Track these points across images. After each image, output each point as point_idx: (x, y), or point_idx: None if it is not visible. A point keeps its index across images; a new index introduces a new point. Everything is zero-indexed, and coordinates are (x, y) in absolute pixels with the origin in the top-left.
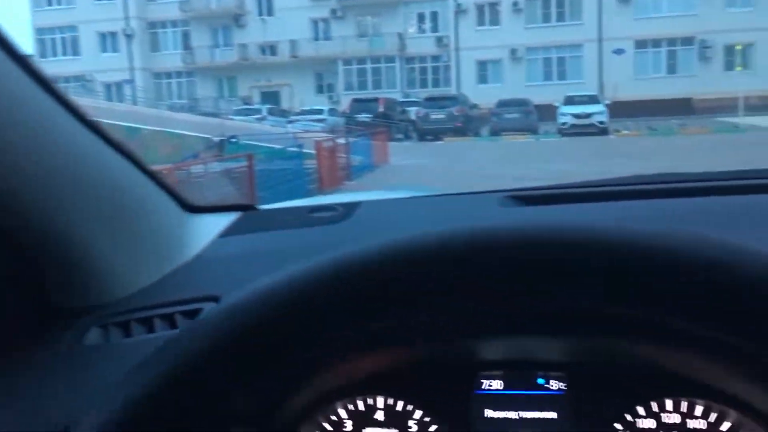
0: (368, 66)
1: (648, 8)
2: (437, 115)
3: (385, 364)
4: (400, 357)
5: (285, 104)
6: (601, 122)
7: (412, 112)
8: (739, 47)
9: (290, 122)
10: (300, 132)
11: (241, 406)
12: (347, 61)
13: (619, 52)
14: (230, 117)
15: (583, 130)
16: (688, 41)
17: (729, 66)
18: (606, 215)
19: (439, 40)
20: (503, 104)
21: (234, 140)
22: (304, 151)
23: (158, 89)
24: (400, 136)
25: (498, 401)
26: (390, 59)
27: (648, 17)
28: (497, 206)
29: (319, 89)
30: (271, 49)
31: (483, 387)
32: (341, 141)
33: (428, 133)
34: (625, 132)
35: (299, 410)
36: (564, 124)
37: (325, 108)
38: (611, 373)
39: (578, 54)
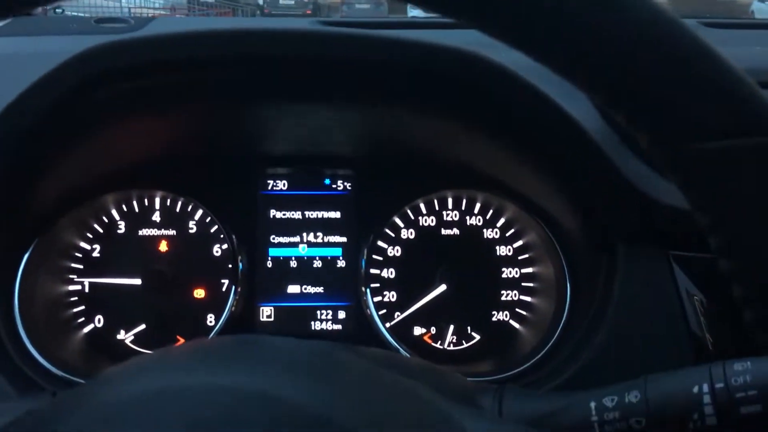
0: None
1: None
2: (286, 0)
3: (154, 146)
4: (172, 138)
5: None
6: None
7: None
8: None
9: None
10: (136, 7)
11: None
12: None
13: None
14: None
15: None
16: None
17: None
18: None
19: None
20: None
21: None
22: None
23: None
24: None
25: (283, 201)
26: None
27: None
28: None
29: None
30: None
31: (269, 187)
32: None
33: (276, 18)
34: None
35: (57, 198)
36: (414, 17)
37: None
38: (395, 166)
39: None
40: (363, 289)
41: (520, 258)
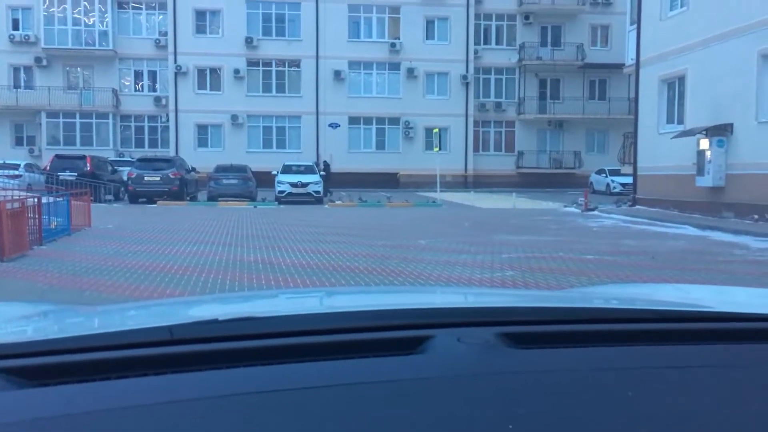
0: (77, 120)
1: (360, 88)
2: (151, 177)
3: None
4: None
5: None
6: (316, 192)
7: (125, 172)
8: (436, 130)
9: None
10: None
11: None
12: (53, 114)
13: (334, 125)
14: None
15: (299, 198)
16: (394, 121)
17: (429, 146)
18: None
19: (158, 99)
20: (221, 169)
21: None
22: None
23: None
24: (109, 197)
25: None
26: (103, 115)
27: (360, 96)
28: None
29: (19, 141)
30: None
31: None
32: (35, 201)
33: (141, 195)
34: (338, 202)
35: None
36: (281, 192)
37: (22, 162)
38: None
39: (297, 125)
40: None
41: None
